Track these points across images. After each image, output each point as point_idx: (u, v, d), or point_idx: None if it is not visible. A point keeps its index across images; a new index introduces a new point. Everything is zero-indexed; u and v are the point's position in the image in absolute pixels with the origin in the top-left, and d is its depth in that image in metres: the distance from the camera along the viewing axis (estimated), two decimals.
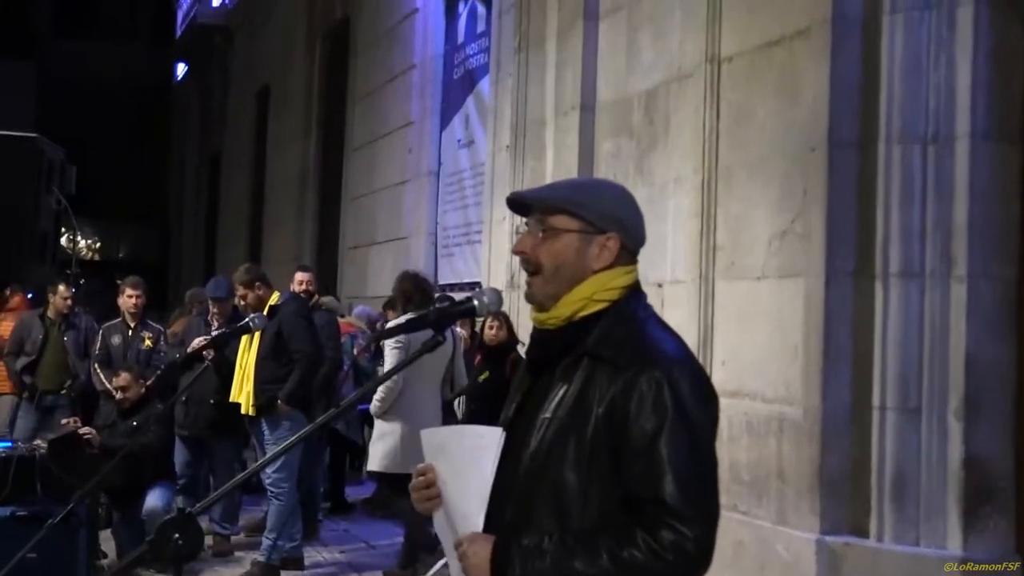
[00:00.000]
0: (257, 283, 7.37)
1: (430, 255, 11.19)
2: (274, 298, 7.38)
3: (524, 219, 2.50)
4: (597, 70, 7.49)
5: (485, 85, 9.93)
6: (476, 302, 2.49)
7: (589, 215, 2.41)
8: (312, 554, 7.99)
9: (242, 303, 7.37)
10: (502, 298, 2.53)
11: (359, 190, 13.27)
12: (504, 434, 2.38)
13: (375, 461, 7.04)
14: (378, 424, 7.10)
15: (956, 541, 4.61)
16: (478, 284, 9.73)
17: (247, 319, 5.60)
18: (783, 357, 5.32)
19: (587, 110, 7.54)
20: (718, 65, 5.97)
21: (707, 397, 2.35)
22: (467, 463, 2.38)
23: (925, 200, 4.79)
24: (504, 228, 8.79)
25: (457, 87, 10.83)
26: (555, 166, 7.90)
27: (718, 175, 5.95)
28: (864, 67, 5.02)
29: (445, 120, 11.13)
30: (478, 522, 2.33)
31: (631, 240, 2.45)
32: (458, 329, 8.05)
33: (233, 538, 8.25)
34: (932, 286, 4.75)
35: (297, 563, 7.51)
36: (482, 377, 7.57)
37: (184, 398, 7.83)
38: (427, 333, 2.55)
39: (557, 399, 2.35)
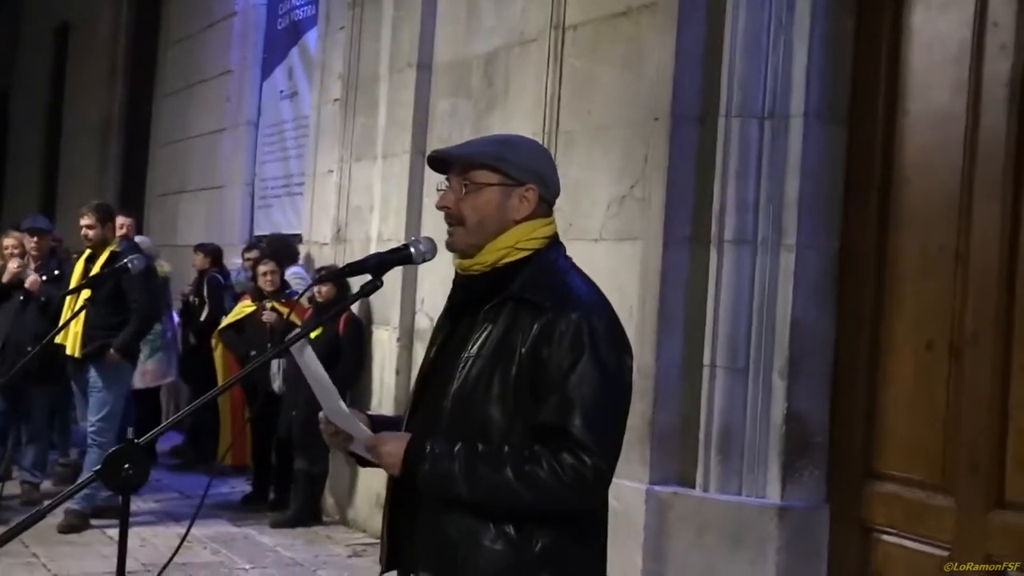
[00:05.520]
0: (112, 221, 7.31)
1: (246, 205, 11.03)
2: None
3: (444, 176, 2.64)
4: (435, 30, 7.56)
5: (312, 37, 9.84)
6: (412, 249, 2.60)
7: (509, 169, 2.57)
8: None
9: (89, 233, 7.15)
10: (436, 247, 2.63)
11: (169, 137, 12.93)
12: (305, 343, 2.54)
13: None
14: None
15: (775, 490, 4.94)
16: (298, 236, 9.66)
17: (126, 260, 5.45)
18: (619, 317, 5.55)
19: (424, 68, 7.60)
20: (562, 32, 6.14)
21: (621, 344, 2.54)
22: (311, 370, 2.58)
23: (760, 173, 5.08)
24: (331, 180, 8.78)
25: (281, 37, 10.68)
26: (388, 122, 7.94)
27: (558, 139, 6.13)
28: (707, 44, 5.26)
29: (267, 70, 10.97)
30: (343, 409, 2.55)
31: (548, 192, 2.63)
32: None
33: (42, 487, 8.07)
34: (763, 254, 5.04)
35: (113, 512, 7.39)
36: (314, 334, 7.53)
37: (1, 344, 7.58)
38: None
39: (481, 339, 2.51)
